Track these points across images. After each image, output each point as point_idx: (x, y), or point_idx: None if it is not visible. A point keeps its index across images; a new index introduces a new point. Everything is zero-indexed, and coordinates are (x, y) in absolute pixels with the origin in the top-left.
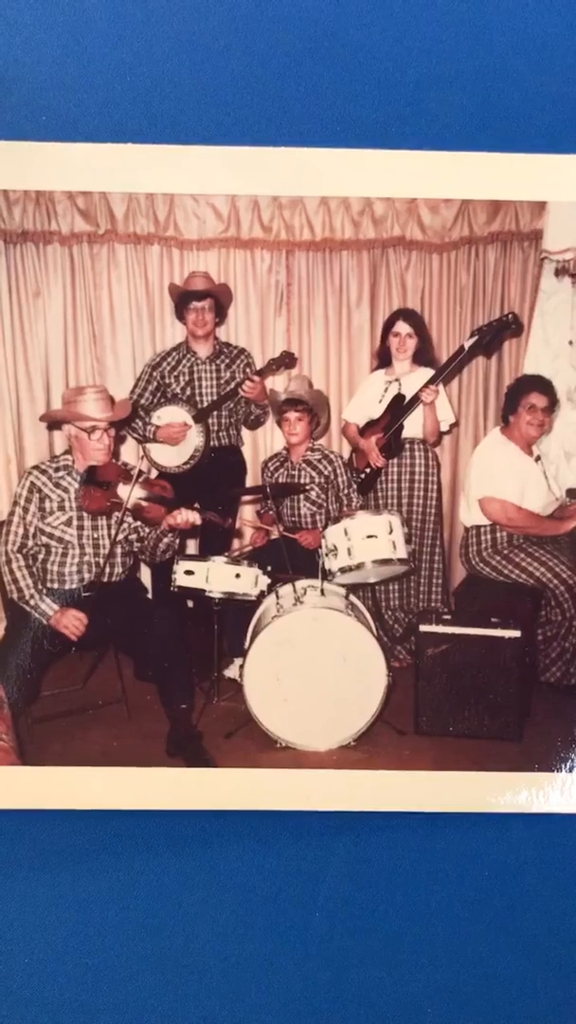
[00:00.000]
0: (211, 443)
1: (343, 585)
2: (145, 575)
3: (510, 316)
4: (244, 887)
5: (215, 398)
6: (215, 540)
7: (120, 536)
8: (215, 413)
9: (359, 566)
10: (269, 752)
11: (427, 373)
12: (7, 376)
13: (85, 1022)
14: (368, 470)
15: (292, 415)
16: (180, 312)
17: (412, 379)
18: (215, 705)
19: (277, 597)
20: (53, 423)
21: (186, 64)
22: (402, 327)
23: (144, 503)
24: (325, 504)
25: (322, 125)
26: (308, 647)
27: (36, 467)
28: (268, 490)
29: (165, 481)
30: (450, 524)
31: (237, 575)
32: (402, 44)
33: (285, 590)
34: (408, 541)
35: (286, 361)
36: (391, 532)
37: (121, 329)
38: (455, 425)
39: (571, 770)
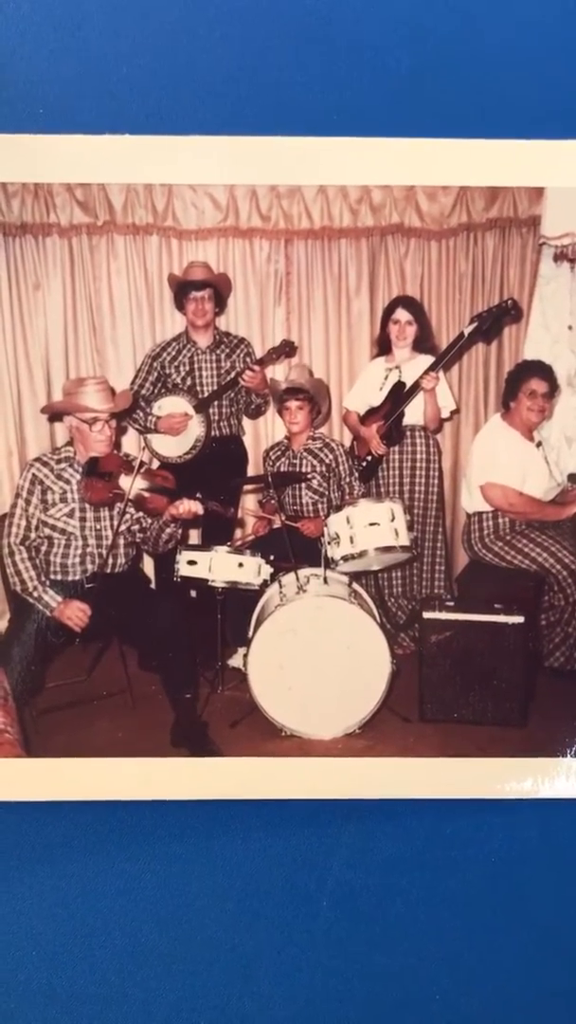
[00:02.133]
0: (212, 433)
1: (346, 573)
2: (148, 565)
3: (509, 302)
4: (251, 876)
5: (216, 388)
6: (217, 530)
7: (123, 527)
8: (216, 403)
9: (362, 554)
10: (274, 741)
11: (427, 360)
12: (8, 368)
13: (94, 1012)
14: (369, 458)
15: (293, 404)
16: (180, 302)
17: (412, 366)
18: (219, 695)
19: (280, 586)
20: (54, 415)
21: (182, 55)
22: (402, 314)
23: (146, 494)
24: (327, 492)
25: (319, 114)
26: (312, 635)
27: (38, 459)
28: (270, 479)
29: (167, 471)
30: (452, 511)
31: (240, 564)
32: (398, 32)
33: (288, 579)
34: (410, 528)
35: (286, 350)
36: (393, 519)
37: (121, 320)
38: (456, 412)
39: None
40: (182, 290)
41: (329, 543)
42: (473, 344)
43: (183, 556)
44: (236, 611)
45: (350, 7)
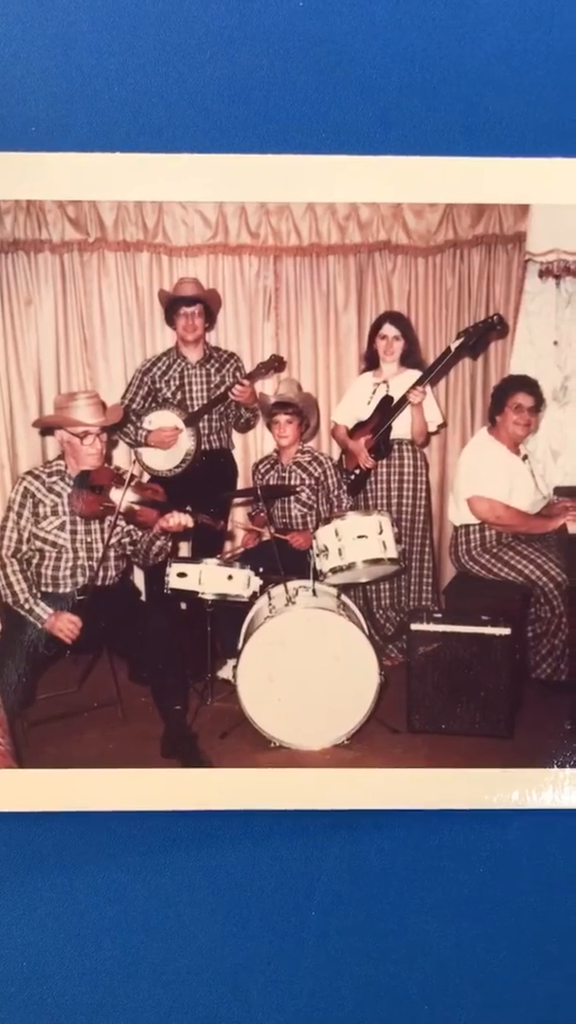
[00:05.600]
0: (202, 446)
1: (334, 585)
2: (138, 578)
3: (495, 317)
4: (241, 886)
5: (205, 402)
6: (207, 542)
7: (113, 540)
8: (206, 417)
9: (350, 566)
10: (263, 752)
11: (414, 375)
12: None
13: (84, 1022)
14: (358, 471)
15: (282, 418)
16: (170, 318)
17: (400, 381)
18: (209, 706)
19: (269, 598)
20: (46, 429)
21: (173, 74)
22: (389, 330)
23: (137, 507)
24: (315, 505)
25: (308, 132)
26: (301, 647)
27: (29, 472)
28: (259, 492)
29: (157, 485)
30: (439, 523)
31: (229, 577)
32: (386, 51)
33: (277, 591)
34: (398, 541)
35: (275, 365)
36: (381, 532)
37: (112, 335)
38: (443, 426)
39: (562, 766)
40: (172, 306)
41: (318, 555)
42: (460, 359)
43: (173, 568)
44: (226, 623)
45: (338, 26)
